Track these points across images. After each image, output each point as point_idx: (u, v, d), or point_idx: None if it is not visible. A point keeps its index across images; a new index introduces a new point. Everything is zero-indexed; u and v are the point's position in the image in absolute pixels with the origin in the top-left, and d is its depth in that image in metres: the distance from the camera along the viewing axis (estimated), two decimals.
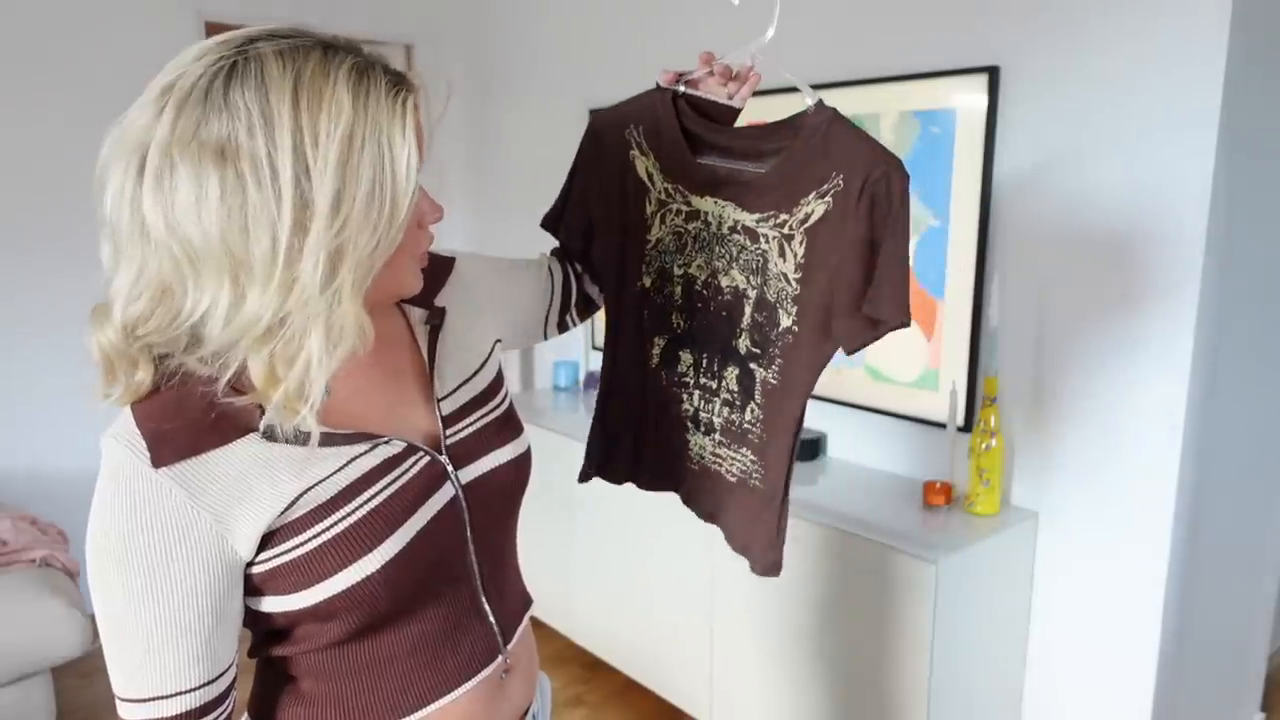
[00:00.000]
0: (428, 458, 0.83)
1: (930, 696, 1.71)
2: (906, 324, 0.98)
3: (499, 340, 1.01)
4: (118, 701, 0.74)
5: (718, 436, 1.16)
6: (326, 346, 0.69)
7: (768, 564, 1.11)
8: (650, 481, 1.23)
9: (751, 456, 1.12)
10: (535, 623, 2.77)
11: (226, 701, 0.78)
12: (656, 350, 1.19)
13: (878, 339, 1.01)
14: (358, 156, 0.68)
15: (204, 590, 0.73)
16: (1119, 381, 1.77)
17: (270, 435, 0.74)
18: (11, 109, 2.72)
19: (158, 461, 0.70)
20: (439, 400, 0.88)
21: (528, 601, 1.00)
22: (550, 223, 1.17)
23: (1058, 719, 1.94)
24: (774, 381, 1.09)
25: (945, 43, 1.95)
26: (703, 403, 1.17)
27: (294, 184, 0.66)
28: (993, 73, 1.86)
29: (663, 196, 1.13)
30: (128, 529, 0.70)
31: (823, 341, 1.04)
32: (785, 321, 1.06)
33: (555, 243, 1.19)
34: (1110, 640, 1.83)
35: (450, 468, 0.85)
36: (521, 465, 0.93)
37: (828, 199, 1.00)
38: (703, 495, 1.19)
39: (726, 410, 1.14)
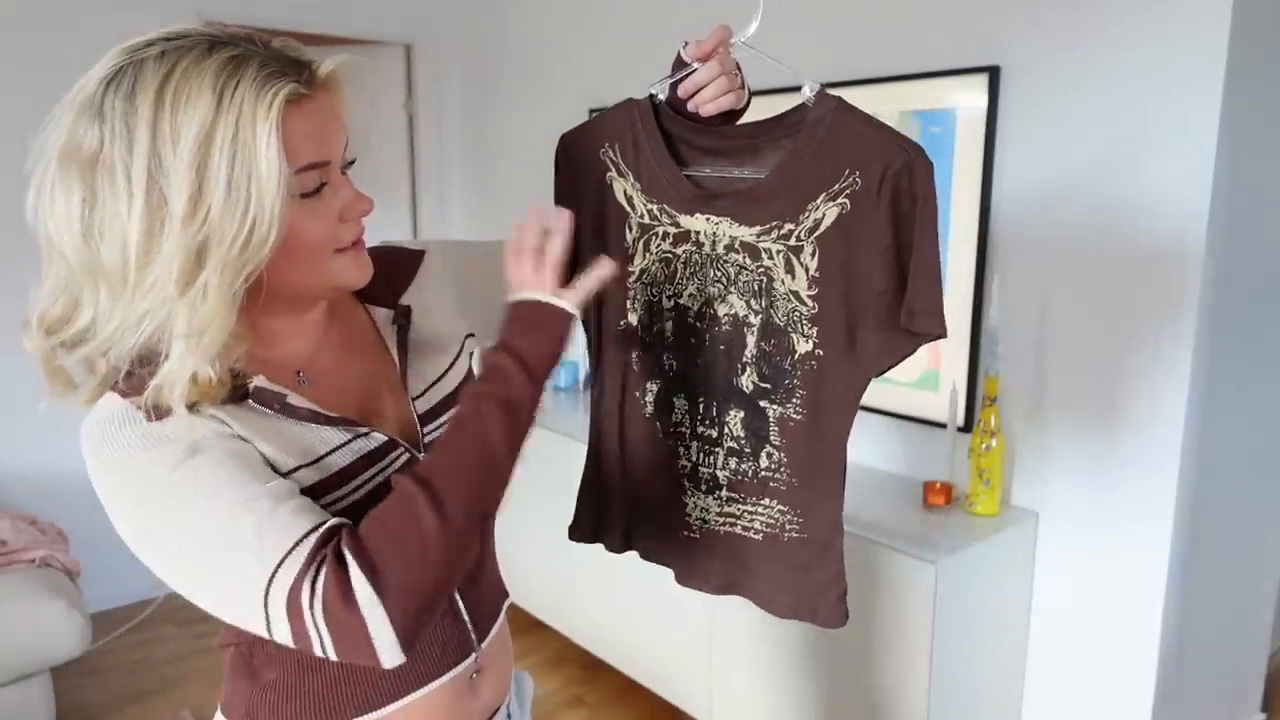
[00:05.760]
0: (407, 454, 0.84)
1: (930, 696, 1.70)
2: (943, 335, 0.88)
3: (470, 335, 1.00)
4: (271, 588, 0.67)
5: (724, 493, 1.02)
6: (189, 346, 0.68)
7: (833, 616, 0.98)
8: (649, 551, 1.09)
9: (780, 506, 0.99)
10: (535, 623, 2.78)
11: None
12: (650, 398, 1.04)
13: (911, 354, 0.91)
14: (216, 154, 0.66)
15: (257, 454, 0.73)
16: (1119, 381, 1.77)
17: (259, 399, 0.75)
18: (9, 110, 2.72)
19: (152, 418, 0.70)
20: (414, 399, 0.88)
21: (503, 595, 0.99)
22: None
23: (1058, 719, 1.94)
24: (797, 417, 0.96)
25: (945, 43, 1.95)
26: (702, 456, 1.02)
27: (146, 187, 0.66)
28: (993, 73, 1.86)
29: (645, 220, 1.00)
30: (146, 463, 0.69)
31: (857, 363, 0.93)
32: (803, 346, 0.94)
33: None
34: (1110, 640, 1.83)
35: None
36: None
37: (841, 200, 0.89)
38: (709, 564, 1.04)
39: (734, 461, 1.00)
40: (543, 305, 0.81)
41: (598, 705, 2.52)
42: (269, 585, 0.66)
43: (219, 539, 0.67)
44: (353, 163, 0.81)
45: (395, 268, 0.94)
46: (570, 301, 0.82)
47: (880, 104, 2.07)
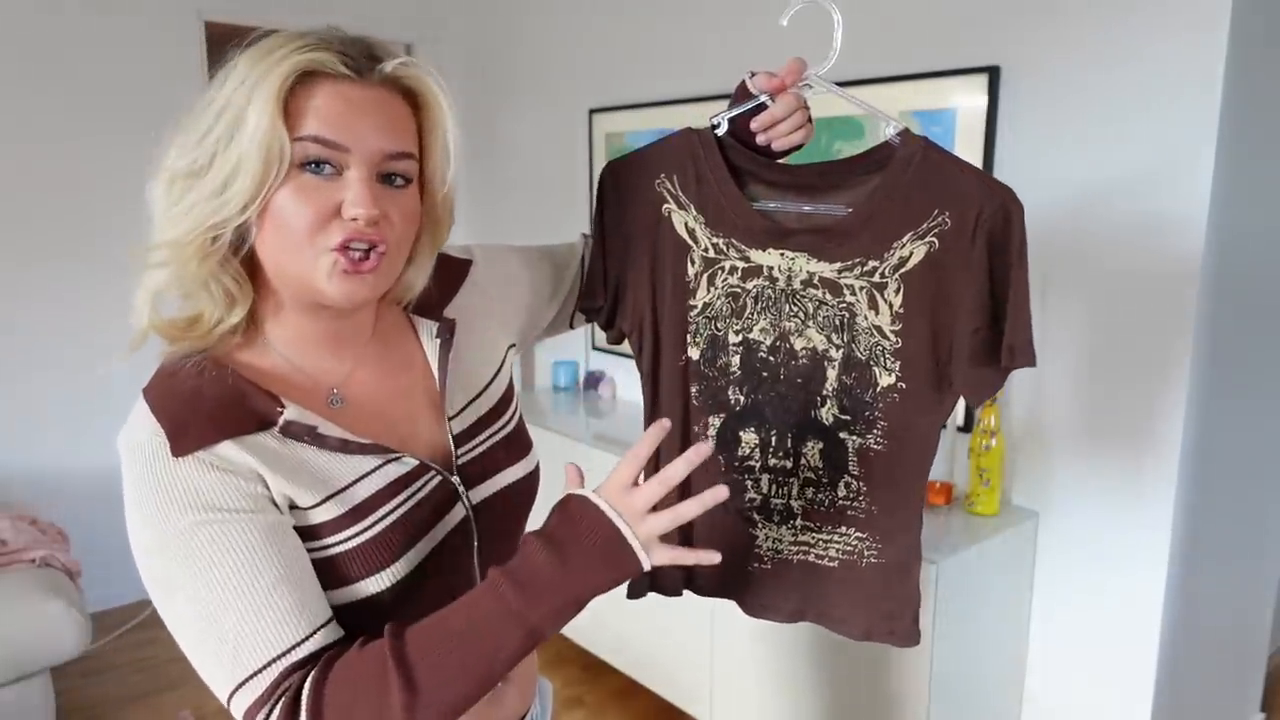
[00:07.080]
0: (439, 477, 0.82)
1: (931, 696, 1.70)
2: (1035, 364, 0.91)
3: (512, 345, 0.98)
4: (232, 699, 0.70)
5: (799, 523, 1.02)
6: (161, 256, 0.73)
7: (909, 635, 1.00)
8: (707, 587, 1.08)
9: (858, 534, 1.00)
10: None
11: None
12: (712, 431, 1.03)
13: (1003, 384, 0.94)
14: (237, 98, 0.70)
15: (264, 528, 0.71)
16: (1120, 380, 1.77)
17: (287, 432, 0.74)
18: (11, 111, 2.71)
19: (177, 451, 0.70)
20: (450, 419, 0.86)
21: None
22: (587, 291, 1.03)
23: (1058, 719, 1.94)
24: (878, 447, 0.97)
25: (945, 43, 1.95)
26: (774, 488, 1.02)
27: (195, 117, 0.72)
28: (993, 73, 1.86)
29: (710, 254, 0.99)
30: (165, 513, 0.70)
31: (940, 395, 0.95)
32: (886, 380, 0.96)
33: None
34: (1110, 640, 1.83)
35: (461, 488, 0.84)
36: (531, 483, 0.93)
37: (930, 239, 0.91)
38: (780, 594, 1.05)
39: (810, 491, 1.01)
40: (627, 547, 0.72)
41: (598, 705, 2.52)
42: (231, 697, 0.70)
43: (207, 625, 0.70)
44: (405, 180, 0.76)
45: (441, 276, 0.91)
46: (654, 560, 0.74)
47: (880, 104, 2.06)
